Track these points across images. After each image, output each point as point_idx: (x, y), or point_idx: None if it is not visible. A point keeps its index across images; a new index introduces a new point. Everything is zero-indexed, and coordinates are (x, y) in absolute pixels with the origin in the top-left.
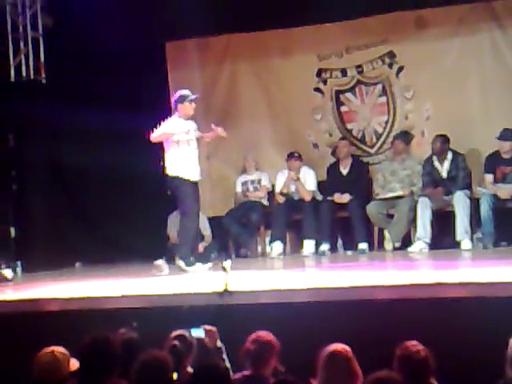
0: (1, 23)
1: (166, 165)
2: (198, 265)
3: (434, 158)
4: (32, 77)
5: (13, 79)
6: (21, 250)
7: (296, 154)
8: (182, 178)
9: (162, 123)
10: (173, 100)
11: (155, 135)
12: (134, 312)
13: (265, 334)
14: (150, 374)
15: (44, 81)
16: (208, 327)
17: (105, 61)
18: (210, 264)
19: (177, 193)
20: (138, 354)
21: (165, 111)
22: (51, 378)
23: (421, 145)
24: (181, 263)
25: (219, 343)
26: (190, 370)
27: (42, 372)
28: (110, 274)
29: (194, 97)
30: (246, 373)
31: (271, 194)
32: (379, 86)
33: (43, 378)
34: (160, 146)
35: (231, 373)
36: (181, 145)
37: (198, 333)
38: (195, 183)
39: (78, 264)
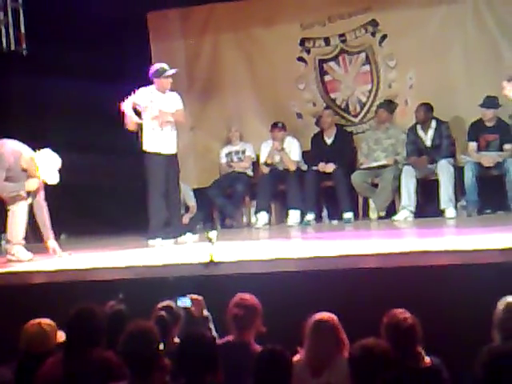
0: None
1: (141, 139)
2: (188, 234)
3: (418, 126)
4: (12, 48)
5: None
6: (5, 222)
7: (280, 125)
8: (154, 153)
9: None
10: (150, 73)
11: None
12: (121, 283)
13: (248, 297)
14: (137, 344)
15: (25, 52)
16: (194, 296)
17: (86, 31)
18: (197, 235)
19: (146, 167)
20: (126, 325)
21: (148, 82)
22: (38, 349)
23: (404, 113)
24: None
25: (205, 312)
26: (176, 340)
27: (29, 343)
28: (96, 246)
29: (169, 72)
30: (229, 338)
31: (256, 164)
32: (362, 55)
33: (30, 350)
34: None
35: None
36: (150, 118)
37: (184, 302)
38: (171, 156)
39: (63, 235)
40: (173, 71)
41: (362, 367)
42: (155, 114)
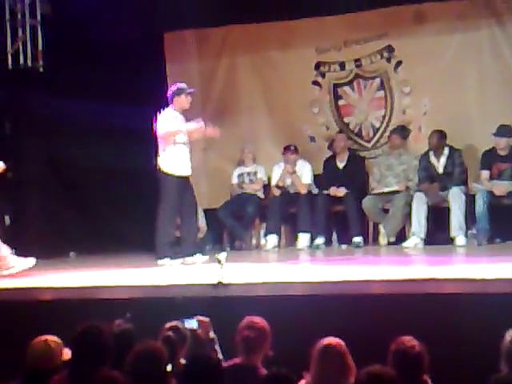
0: None
1: (158, 159)
2: (198, 255)
3: (431, 153)
4: (30, 65)
5: (10, 67)
6: (15, 238)
7: (292, 147)
8: (172, 175)
9: (160, 117)
10: (169, 92)
11: (163, 133)
12: (128, 302)
13: (258, 320)
14: (145, 364)
15: (41, 69)
16: (201, 318)
17: (103, 50)
18: (206, 256)
19: (162, 188)
20: (133, 345)
21: (162, 103)
22: (44, 366)
23: (418, 140)
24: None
25: (212, 334)
26: (183, 361)
27: (35, 361)
28: (104, 264)
29: (191, 90)
30: (236, 360)
31: (267, 186)
32: (377, 80)
33: (36, 367)
34: (155, 140)
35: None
36: (176, 141)
37: (191, 324)
38: (186, 178)
39: (72, 254)
40: (193, 89)
41: None
42: (185, 136)
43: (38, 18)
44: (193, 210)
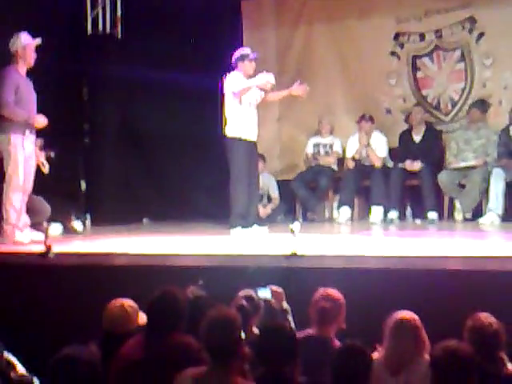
0: None
1: (225, 126)
2: (255, 226)
3: (511, 128)
4: (108, 31)
5: (89, 32)
6: (90, 203)
7: (367, 116)
8: (239, 139)
9: (228, 79)
10: (233, 58)
11: (233, 92)
12: (201, 270)
13: (333, 291)
14: (219, 330)
15: (119, 35)
16: (275, 288)
17: (179, 17)
18: (266, 227)
19: (230, 154)
20: (206, 311)
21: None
22: (120, 329)
23: (498, 114)
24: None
25: (285, 305)
26: (255, 330)
27: (111, 324)
28: (177, 232)
29: (254, 56)
30: (310, 332)
31: (341, 159)
32: (458, 52)
33: (112, 330)
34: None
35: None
36: (244, 104)
37: (264, 293)
38: (253, 143)
39: (145, 220)
40: (256, 54)
41: (445, 369)
42: (256, 97)
43: None
44: (255, 179)
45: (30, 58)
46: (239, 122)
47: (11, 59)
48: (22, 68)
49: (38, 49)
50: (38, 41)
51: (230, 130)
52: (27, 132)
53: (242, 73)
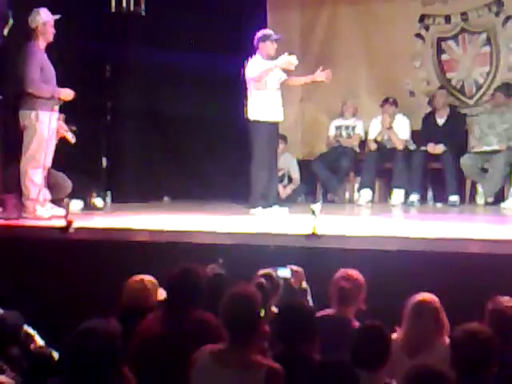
0: None
1: (247, 109)
2: (275, 207)
3: None
4: (132, 8)
5: (113, 10)
6: (111, 180)
7: (391, 99)
8: (262, 122)
9: (250, 62)
10: (255, 38)
11: (255, 75)
12: (221, 248)
13: (353, 272)
14: (240, 308)
15: (143, 13)
16: (294, 267)
17: None
18: (286, 208)
19: (252, 137)
20: (225, 289)
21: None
22: (140, 305)
23: None
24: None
25: (304, 284)
26: (274, 309)
27: (131, 299)
28: (197, 210)
29: (276, 36)
30: (329, 311)
31: (363, 141)
32: (483, 35)
33: (132, 305)
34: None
35: None
36: (267, 86)
37: (284, 272)
38: (275, 125)
39: (165, 198)
40: (279, 36)
41: (465, 351)
42: (278, 78)
43: None
44: (275, 161)
45: (50, 34)
46: (261, 105)
47: (31, 35)
48: (43, 44)
49: (56, 24)
50: (57, 16)
51: (252, 113)
52: (55, 107)
53: (263, 54)
